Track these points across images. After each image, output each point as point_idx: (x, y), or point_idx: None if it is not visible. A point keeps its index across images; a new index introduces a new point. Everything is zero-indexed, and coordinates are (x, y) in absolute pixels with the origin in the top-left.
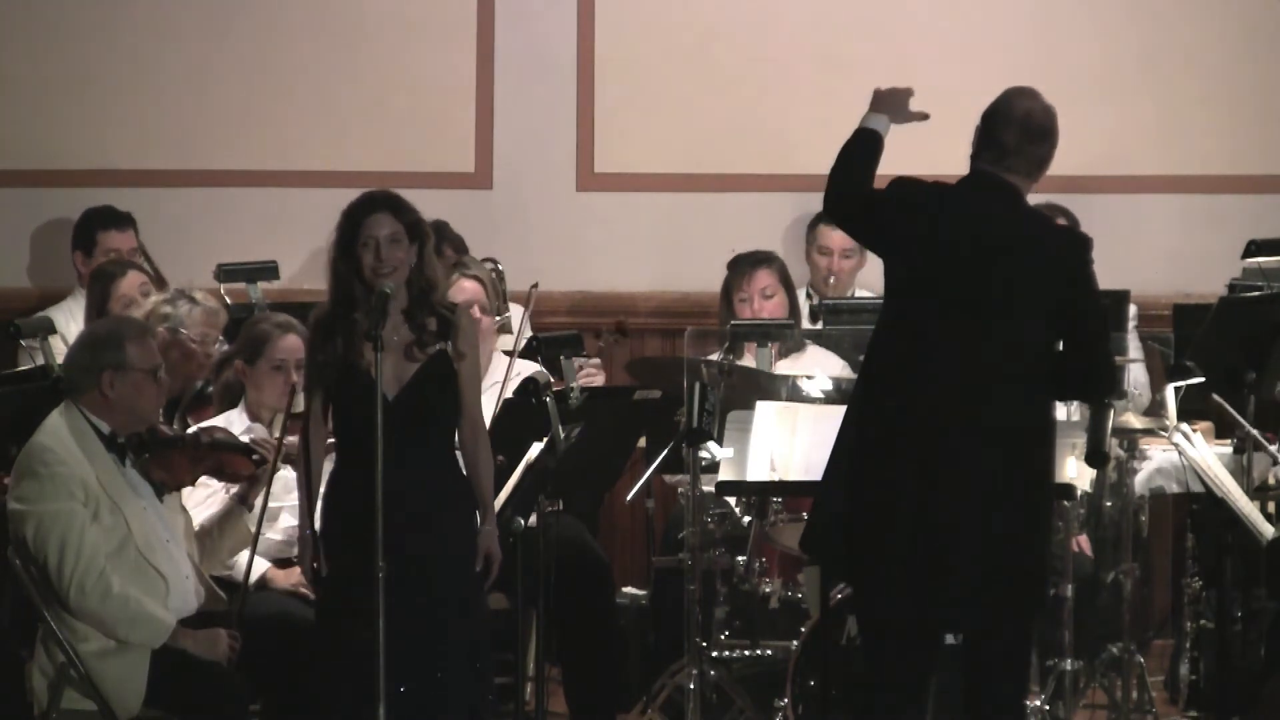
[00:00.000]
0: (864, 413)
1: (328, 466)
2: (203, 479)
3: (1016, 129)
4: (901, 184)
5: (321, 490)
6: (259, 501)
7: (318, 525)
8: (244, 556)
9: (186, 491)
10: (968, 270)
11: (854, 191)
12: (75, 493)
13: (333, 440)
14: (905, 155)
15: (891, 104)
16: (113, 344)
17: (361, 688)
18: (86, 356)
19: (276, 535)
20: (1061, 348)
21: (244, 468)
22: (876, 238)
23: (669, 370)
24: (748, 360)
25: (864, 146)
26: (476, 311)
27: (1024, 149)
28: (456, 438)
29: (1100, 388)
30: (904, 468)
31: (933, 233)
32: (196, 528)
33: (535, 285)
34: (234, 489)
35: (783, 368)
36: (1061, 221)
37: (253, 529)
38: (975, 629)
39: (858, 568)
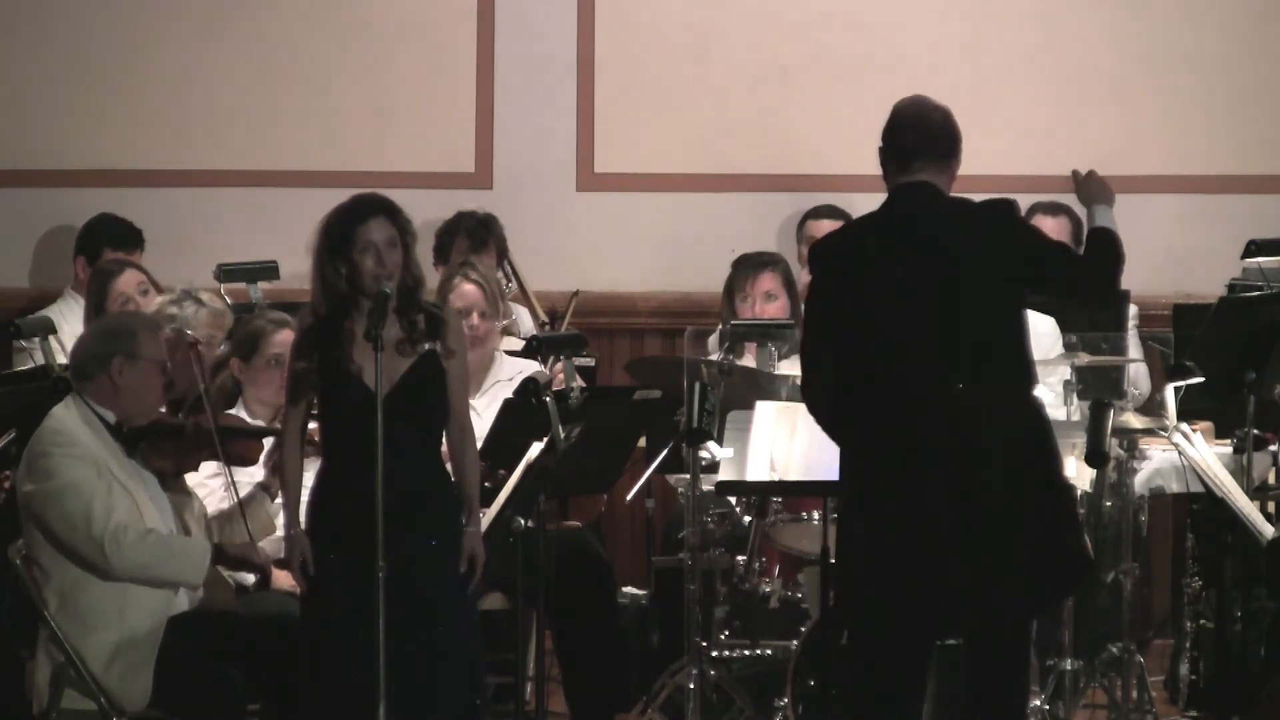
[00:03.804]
0: (859, 460)
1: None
2: (206, 470)
3: (910, 131)
4: (825, 251)
5: (310, 487)
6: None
7: (304, 524)
8: None
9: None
10: (921, 291)
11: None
12: (89, 467)
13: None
14: None
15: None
16: (126, 333)
17: (354, 687)
18: (99, 343)
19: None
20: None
21: (253, 452)
22: (835, 318)
23: (669, 370)
24: (748, 360)
25: None
26: (475, 319)
27: (924, 144)
28: (444, 440)
29: (1096, 285)
30: (915, 494)
31: (873, 273)
32: (213, 511)
33: (576, 293)
34: (235, 475)
35: (785, 369)
36: (1061, 218)
37: (275, 518)
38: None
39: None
